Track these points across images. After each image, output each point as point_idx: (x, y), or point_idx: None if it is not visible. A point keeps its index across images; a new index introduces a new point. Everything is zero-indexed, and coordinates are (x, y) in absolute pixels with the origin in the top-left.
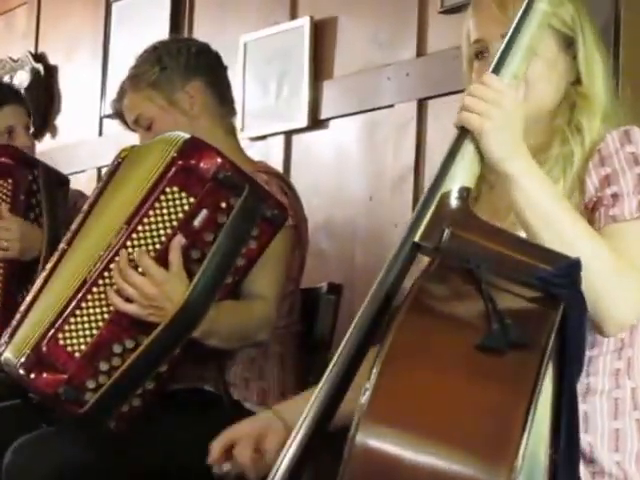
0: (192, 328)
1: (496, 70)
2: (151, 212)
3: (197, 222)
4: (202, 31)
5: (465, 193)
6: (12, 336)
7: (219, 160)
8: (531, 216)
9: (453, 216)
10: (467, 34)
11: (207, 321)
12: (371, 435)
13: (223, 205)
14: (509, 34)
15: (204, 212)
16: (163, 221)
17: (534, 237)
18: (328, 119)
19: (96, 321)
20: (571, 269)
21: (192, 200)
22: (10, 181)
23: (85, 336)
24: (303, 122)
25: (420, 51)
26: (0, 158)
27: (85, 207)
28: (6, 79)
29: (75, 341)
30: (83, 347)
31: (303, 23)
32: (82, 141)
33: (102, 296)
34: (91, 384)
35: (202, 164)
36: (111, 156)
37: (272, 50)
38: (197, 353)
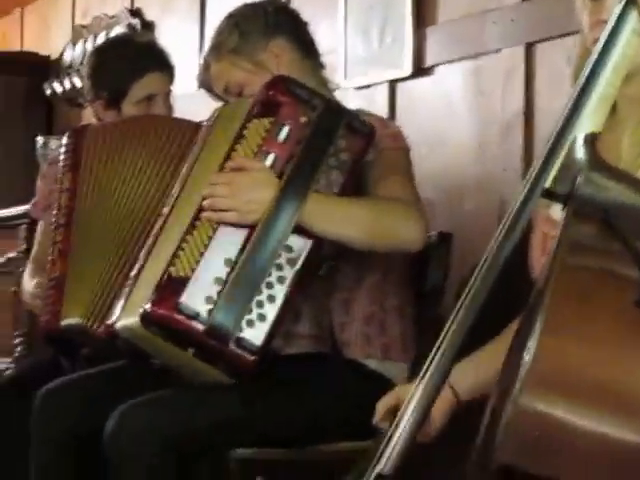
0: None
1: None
2: (238, 146)
3: (281, 137)
4: None
5: (593, 138)
6: (125, 305)
7: (287, 81)
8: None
9: (583, 162)
10: None
11: (332, 209)
12: (538, 399)
13: (303, 120)
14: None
15: (286, 128)
16: (249, 146)
17: None
18: (432, 66)
19: (202, 244)
20: None
21: (272, 119)
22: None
23: (195, 260)
24: (407, 70)
25: None
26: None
27: (182, 173)
28: (102, 36)
29: (186, 265)
30: (195, 266)
31: None
32: (181, 95)
33: (202, 229)
34: (209, 302)
35: (272, 91)
36: (209, 109)
37: None
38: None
